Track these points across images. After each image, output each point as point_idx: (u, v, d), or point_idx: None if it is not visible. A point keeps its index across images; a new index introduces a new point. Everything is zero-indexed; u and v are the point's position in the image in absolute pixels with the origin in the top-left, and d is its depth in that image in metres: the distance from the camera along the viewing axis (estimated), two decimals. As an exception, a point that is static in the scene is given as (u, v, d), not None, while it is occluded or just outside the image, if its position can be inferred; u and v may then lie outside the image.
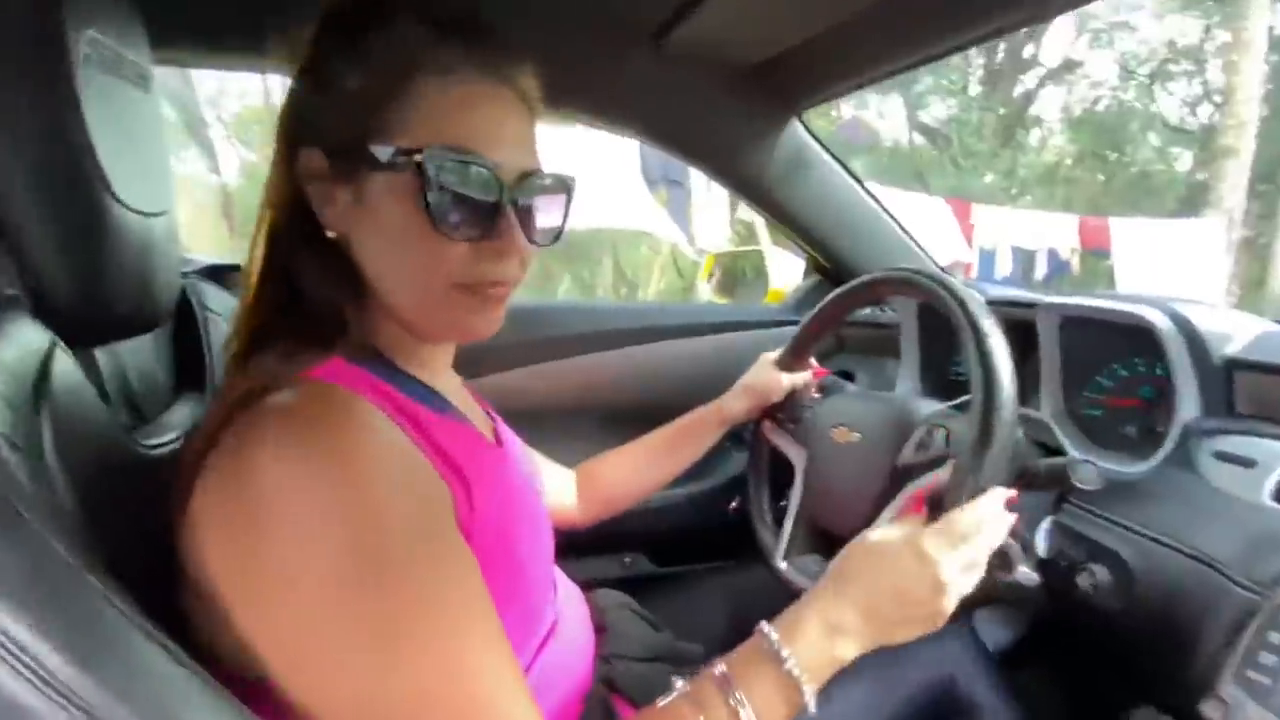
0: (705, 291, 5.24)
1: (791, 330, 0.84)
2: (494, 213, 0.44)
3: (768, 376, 0.81)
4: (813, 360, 0.84)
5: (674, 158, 1.07)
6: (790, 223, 1.11)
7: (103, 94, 0.43)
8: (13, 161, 0.39)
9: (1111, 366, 0.78)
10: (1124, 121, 9.74)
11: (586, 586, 0.68)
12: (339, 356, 0.44)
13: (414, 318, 0.47)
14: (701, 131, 1.00)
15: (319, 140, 0.44)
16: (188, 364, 0.60)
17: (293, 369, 0.42)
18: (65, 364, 0.40)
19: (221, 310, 0.65)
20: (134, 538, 0.39)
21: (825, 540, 0.74)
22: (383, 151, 0.42)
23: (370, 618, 0.34)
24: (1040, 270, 5.36)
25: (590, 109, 0.95)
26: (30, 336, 0.39)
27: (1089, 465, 0.55)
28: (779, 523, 0.78)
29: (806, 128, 1.03)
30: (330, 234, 0.45)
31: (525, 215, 0.46)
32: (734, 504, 1.09)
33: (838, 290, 0.77)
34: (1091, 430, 0.77)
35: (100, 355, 0.49)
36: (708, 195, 5.42)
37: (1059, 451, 0.76)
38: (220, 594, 0.36)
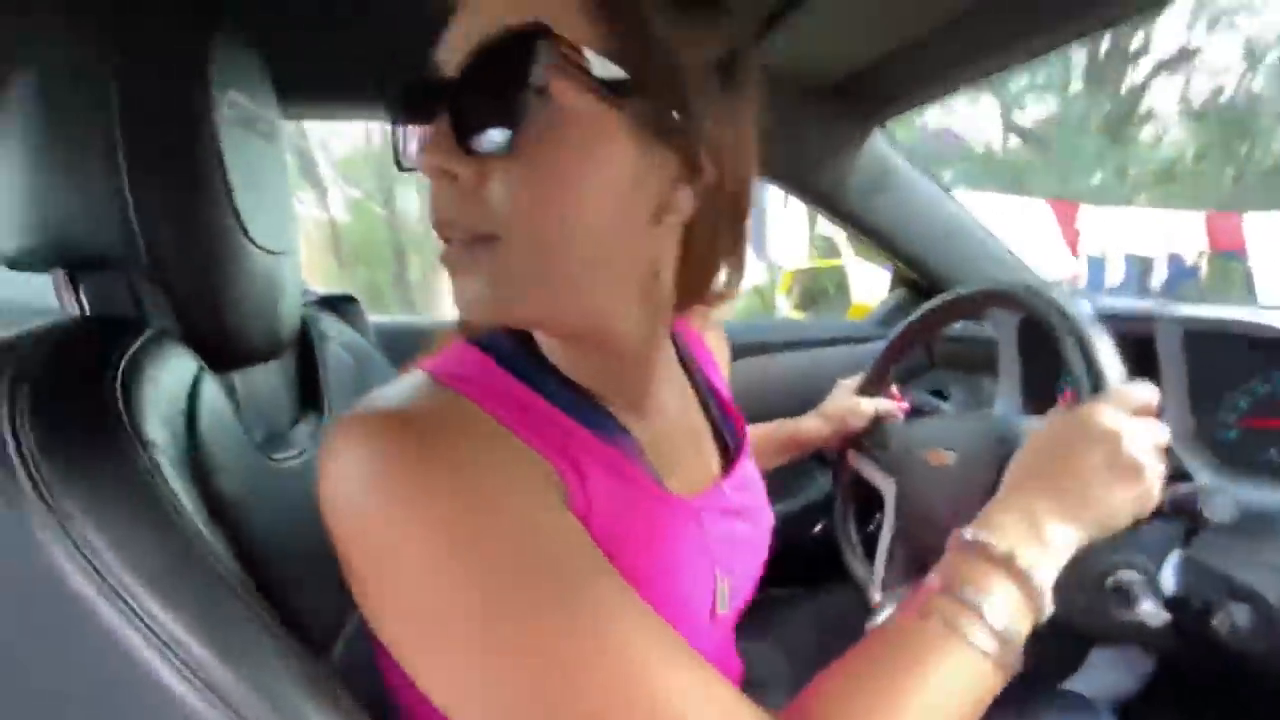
0: (784, 308, 5.15)
1: (878, 346, 0.82)
2: (423, 118, 0.35)
3: (847, 404, 0.79)
4: (894, 388, 0.81)
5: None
6: (874, 236, 1.09)
7: (239, 147, 0.49)
8: (164, 209, 0.44)
9: (1248, 384, 0.70)
10: (1253, 112, 8.78)
11: None
12: (476, 348, 0.41)
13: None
14: (779, 149, 1.00)
15: None
16: (308, 386, 0.66)
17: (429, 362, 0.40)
18: (211, 387, 0.46)
19: (336, 336, 0.71)
20: (268, 544, 0.43)
21: (924, 570, 0.71)
22: None
23: (510, 648, 0.30)
24: (1159, 277, 4.89)
25: None
26: (182, 363, 0.44)
27: (1223, 496, 0.50)
28: (870, 552, 0.75)
29: (888, 139, 1.01)
30: None
31: (461, 114, 0.33)
32: (819, 527, 1.06)
33: (927, 305, 0.74)
34: (1225, 455, 0.70)
35: (237, 379, 0.54)
36: (784, 210, 5.36)
37: (1187, 478, 0.69)
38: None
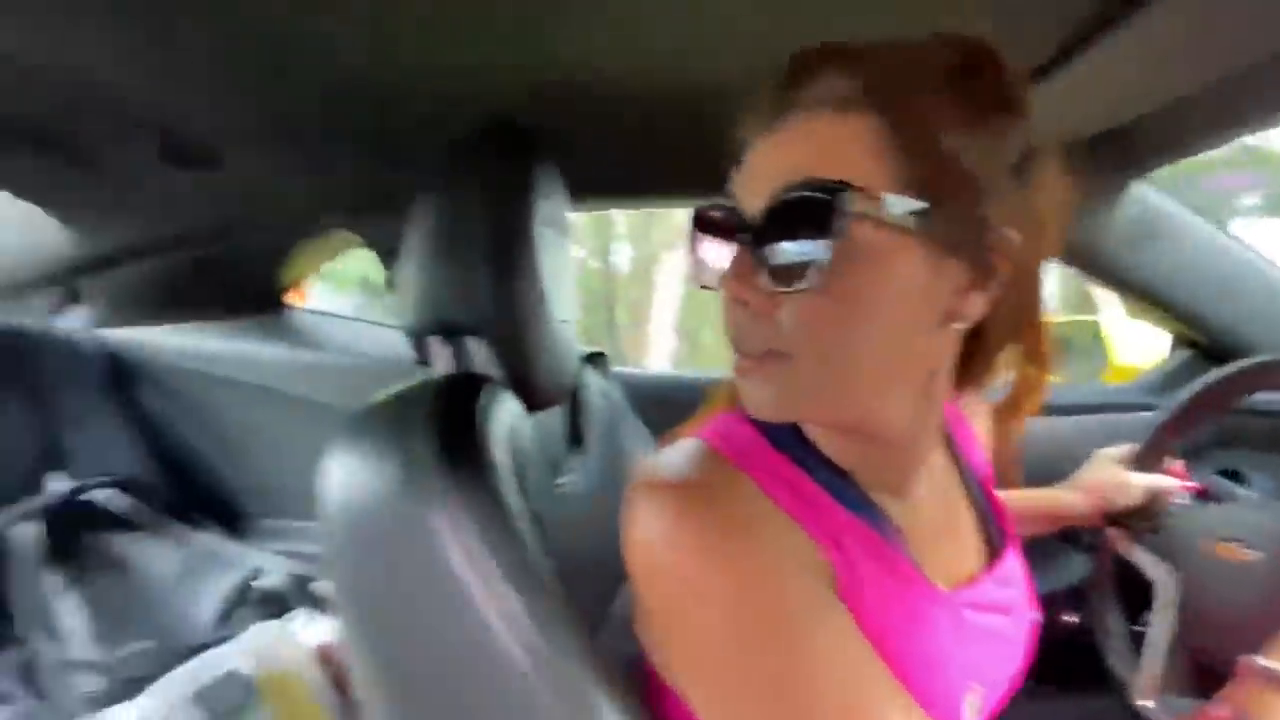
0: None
1: (1148, 417, 0.73)
2: (725, 249, 0.39)
3: (1112, 477, 0.71)
4: (1179, 464, 0.71)
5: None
6: (1142, 294, 0.97)
7: (549, 244, 0.63)
8: (504, 293, 0.59)
9: None
10: None
11: None
12: (749, 422, 0.43)
13: None
14: None
15: None
16: (574, 429, 0.79)
17: (707, 429, 0.43)
18: (527, 425, 0.59)
19: (593, 385, 0.85)
20: (560, 549, 0.54)
21: (1208, 677, 0.61)
22: None
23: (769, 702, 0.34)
24: None
25: None
26: (513, 407, 0.58)
27: None
28: (1135, 650, 0.66)
29: (1154, 186, 0.90)
30: None
31: (761, 249, 0.36)
32: (1069, 617, 0.94)
33: (1221, 372, 0.66)
34: None
35: (537, 419, 0.69)
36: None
37: None
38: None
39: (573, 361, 0.71)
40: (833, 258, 0.34)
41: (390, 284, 1.08)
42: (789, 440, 0.43)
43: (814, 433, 0.44)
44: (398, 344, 0.71)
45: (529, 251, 0.60)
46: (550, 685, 0.40)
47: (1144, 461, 0.71)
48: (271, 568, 1.05)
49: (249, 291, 1.25)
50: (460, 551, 0.42)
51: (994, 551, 0.51)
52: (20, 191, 0.97)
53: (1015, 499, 0.74)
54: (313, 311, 1.33)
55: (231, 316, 1.24)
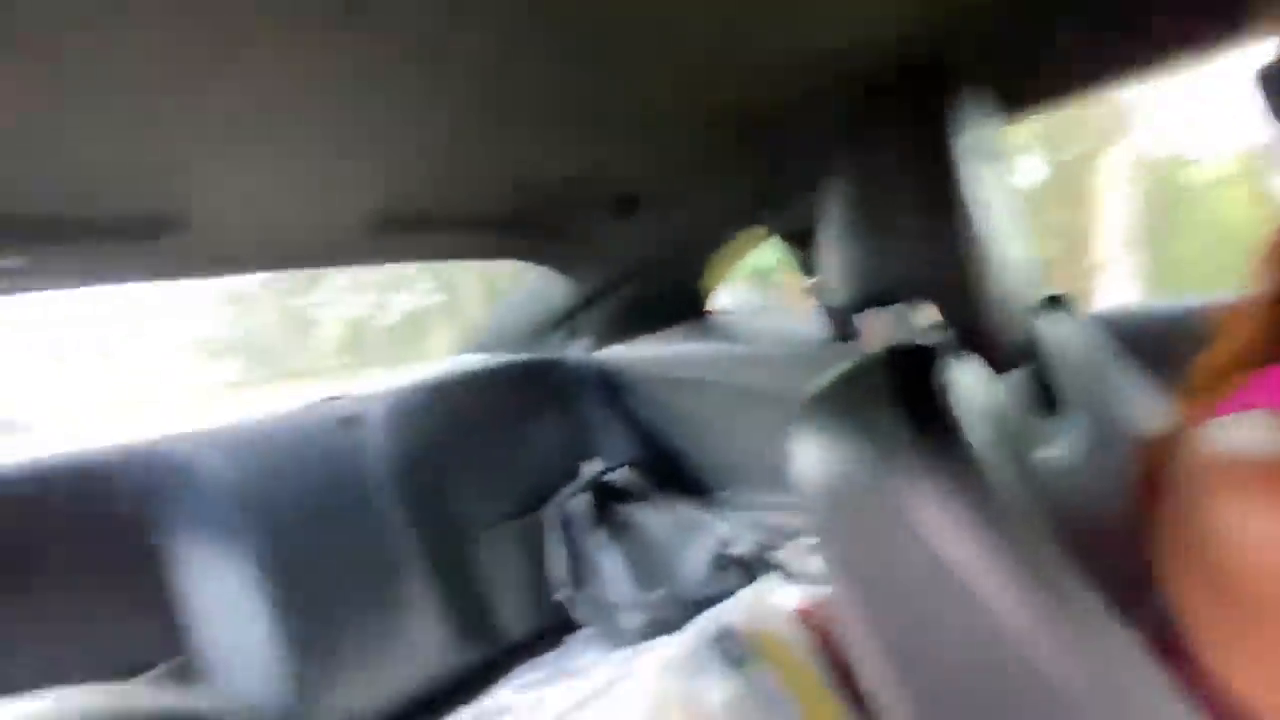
0: None
1: None
2: None
3: None
4: None
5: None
6: None
7: (980, 175, 0.55)
8: (946, 241, 0.53)
9: None
10: None
11: None
12: None
13: None
14: None
15: None
16: (1045, 390, 0.67)
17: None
18: (995, 391, 0.53)
19: (1062, 336, 0.70)
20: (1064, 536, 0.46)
21: None
22: None
23: None
24: None
25: None
26: (978, 370, 0.52)
27: None
28: None
29: None
30: None
31: None
32: None
33: None
34: None
35: (1001, 384, 0.61)
36: None
37: None
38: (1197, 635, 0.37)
39: (1030, 309, 0.61)
40: None
41: (805, 267, 1.13)
42: None
43: None
44: (804, 330, 0.72)
45: (956, 193, 0.53)
46: (1069, 667, 0.35)
47: None
48: (737, 535, 1.21)
49: (685, 303, 1.47)
50: (945, 528, 0.40)
51: None
52: (537, 261, 1.35)
53: None
54: (729, 313, 1.49)
55: (673, 327, 1.47)
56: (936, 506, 0.41)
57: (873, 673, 0.46)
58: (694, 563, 1.17)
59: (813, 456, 0.49)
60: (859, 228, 0.58)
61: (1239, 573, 0.33)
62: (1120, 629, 0.37)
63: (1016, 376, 0.64)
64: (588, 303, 1.45)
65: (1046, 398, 0.67)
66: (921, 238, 0.54)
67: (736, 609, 0.85)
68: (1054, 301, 0.77)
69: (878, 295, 0.59)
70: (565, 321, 1.52)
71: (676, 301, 1.45)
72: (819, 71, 0.71)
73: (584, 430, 1.44)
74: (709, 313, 1.49)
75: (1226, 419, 0.37)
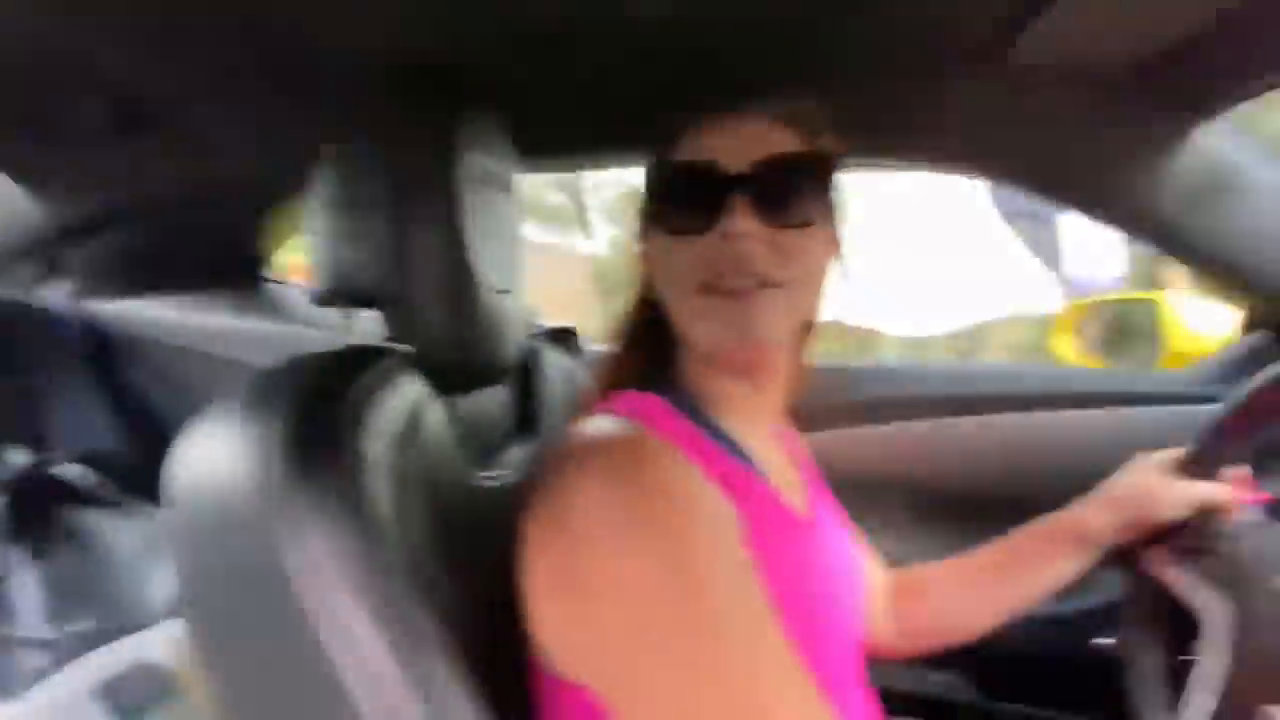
0: (1066, 350, 4.19)
1: (1207, 410, 0.60)
2: (715, 199, 0.46)
3: (1153, 485, 0.59)
4: (1244, 470, 0.58)
5: (1031, 195, 0.87)
6: (1208, 261, 0.81)
7: (480, 201, 0.55)
8: (414, 253, 0.52)
9: None
10: None
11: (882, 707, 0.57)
12: (654, 395, 0.49)
13: (685, 336, 0.50)
14: (1063, 158, 0.80)
15: (640, 226, 0.54)
16: (525, 412, 0.71)
17: (611, 404, 0.48)
18: (435, 410, 0.52)
19: (555, 366, 0.76)
20: (469, 561, 0.47)
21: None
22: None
23: (684, 667, 0.35)
24: None
25: (918, 151, 0.85)
26: (413, 387, 0.50)
27: None
28: (1175, 688, 0.55)
29: (1224, 131, 0.75)
30: (645, 296, 0.54)
31: (759, 196, 0.46)
32: (1100, 641, 0.82)
33: None
34: None
35: (461, 403, 0.61)
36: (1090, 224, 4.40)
37: None
38: (545, 625, 0.41)
39: (513, 337, 0.63)
40: (823, 209, 0.49)
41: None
42: (686, 404, 0.49)
43: (695, 384, 0.51)
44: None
45: (443, 209, 0.52)
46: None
47: (1196, 467, 0.58)
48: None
49: (228, 264, 1.21)
50: (298, 563, 0.35)
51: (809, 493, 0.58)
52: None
53: (1034, 529, 0.63)
54: (286, 283, 1.28)
55: (212, 290, 1.20)
56: (289, 531, 0.36)
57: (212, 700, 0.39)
58: (159, 582, 0.94)
59: (186, 457, 0.40)
60: (337, 220, 0.53)
61: (574, 543, 0.38)
62: (449, 663, 0.37)
63: (493, 398, 0.66)
64: (77, 235, 1.08)
65: (525, 421, 0.72)
66: (388, 241, 0.51)
67: (169, 638, 0.69)
68: (557, 335, 0.84)
69: (345, 292, 0.54)
70: (40, 253, 1.11)
71: (216, 260, 1.19)
72: (348, 35, 0.63)
73: (39, 401, 1.05)
74: (263, 280, 1.26)
75: (582, 425, 0.45)
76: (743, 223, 0.45)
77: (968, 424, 0.98)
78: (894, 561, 0.72)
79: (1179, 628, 0.58)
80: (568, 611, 0.39)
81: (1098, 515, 0.60)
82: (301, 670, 0.35)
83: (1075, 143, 0.78)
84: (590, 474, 0.39)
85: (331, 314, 0.61)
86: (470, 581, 0.46)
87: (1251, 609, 0.51)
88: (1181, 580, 0.56)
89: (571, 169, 1.07)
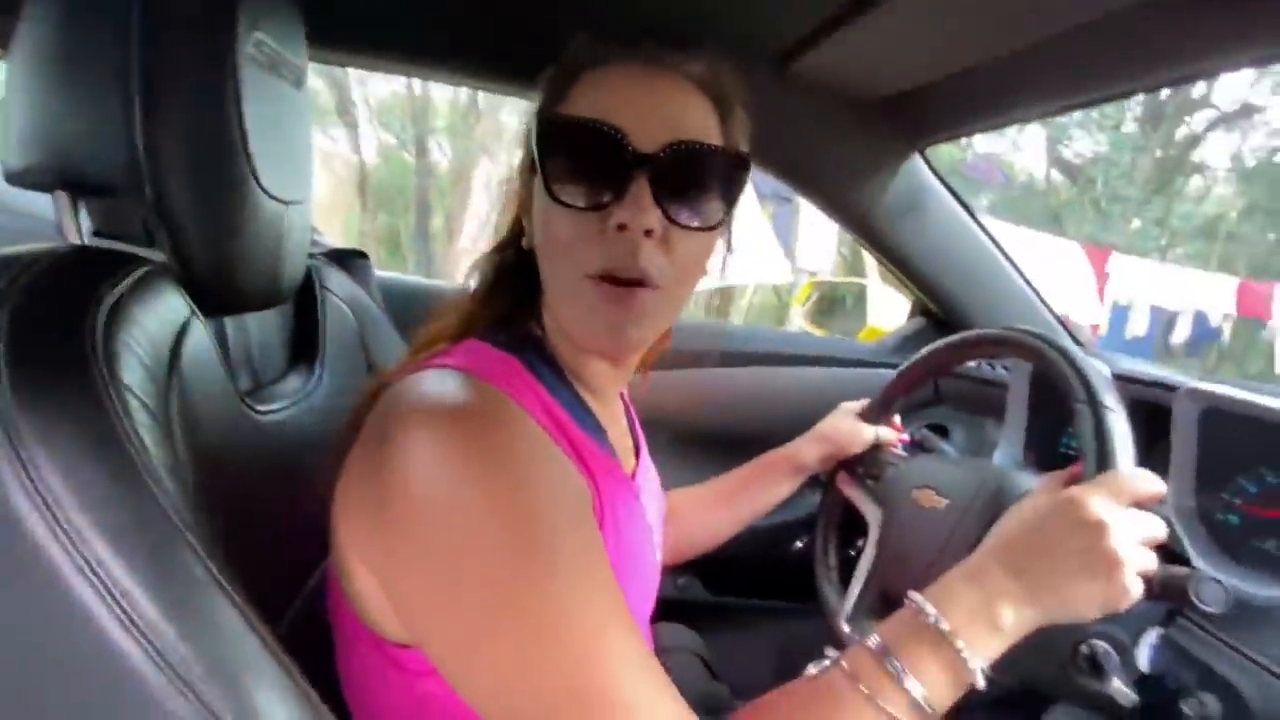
0: (797, 319, 5.10)
1: (888, 374, 0.80)
2: (617, 178, 0.42)
3: (847, 427, 0.77)
4: (898, 418, 0.79)
5: (785, 184, 1.04)
6: (899, 262, 1.06)
7: (261, 90, 0.47)
8: (175, 146, 0.43)
9: (1259, 470, 0.68)
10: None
11: None
12: (513, 355, 0.46)
13: (562, 318, 0.48)
14: (815, 161, 0.97)
15: (523, 168, 0.50)
16: (303, 339, 0.65)
17: (461, 359, 0.43)
18: (199, 333, 0.45)
19: (339, 291, 0.70)
20: (242, 496, 0.42)
21: (894, 608, 0.70)
22: (532, 144, 0.45)
23: (520, 612, 0.34)
24: (1181, 334, 4.81)
25: None
26: (172, 305, 0.43)
27: (1216, 585, 0.49)
28: (845, 580, 0.74)
29: (929, 164, 0.98)
30: (524, 245, 0.50)
31: (668, 185, 0.42)
32: (799, 544, 1.05)
33: (944, 340, 0.73)
34: (1224, 540, 0.68)
35: (229, 324, 0.53)
36: (817, 215, 5.26)
37: (1181, 557, 0.67)
38: (366, 569, 0.39)
39: (297, 257, 0.56)
40: (725, 211, 0.45)
41: None
42: (543, 369, 0.47)
43: (556, 347, 0.50)
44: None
45: (225, 93, 0.44)
46: (166, 676, 0.30)
47: (874, 415, 0.78)
48: None
49: None
50: (35, 504, 0.29)
51: (636, 452, 0.61)
52: None
53: (761, 461, 0.78)
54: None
55: None
56: (11, 461, 0.29)
57: None
58: None
59: None
60: (55, 76, 0.41)
61: (404, 501, 0.36)
62: (233, 608, 0.34)
63: (265, 321, 0.59)
64: None
65: (303, 347, 0.65)
66: (154, 125, 0.41)
67: None
68: (343, 257, 0.77)
69: (68, 176, 0.43)
70: None
71: None
72: None
73: None
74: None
75: (422, 374, 0.41)
76: (641, 215, 0.41)
77: (716, 374, 1.15)
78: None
79: (853, 533, 0.78)
80: (396, 572, 0.37)
81: (810, 449, 0.78)
82: (50, 629, 0.30)
83: (825, 150, 0.96)
84: (431, 432, 0.36)
85: (32, 198, 0.48)
86: (248, 523, 0.42)
87: (895, 516, 0.71)
88: (857, 495, 0.76)
89: (368, 68, 0.94)
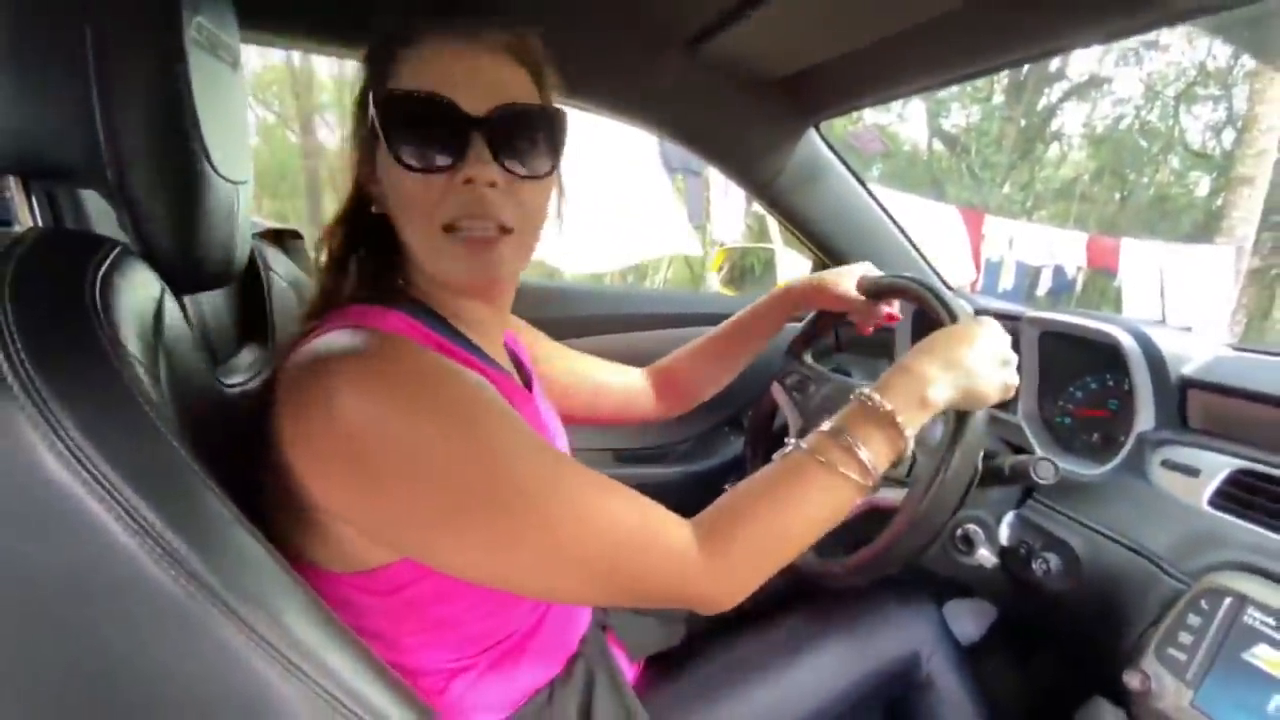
0: (714, 284, 5.29)
1: (795, 326, 0.90)
2: (457, 140, 0.47)
3: (845, 281, 0.79)
4: (897, 306, 0.82)
5: (696, 156, 1.12)
6: (799, 225, 1.17)
7: (205, 73, 0.49)
8: (133, 131, 0.44)
9: (1084, 379, 0.84)
10: (1145, 142, 9.71)
11: None
12: (394, 310, 0.50)
13: (426, 268, 0.52)
14: (723, 135, 1.06)
15: (360, 139, 0.53)
16: (252, 316, 0.67)
17: (351, 319, 0.48)
18: (172, 308, 0.47)
19: (279, 270, 0.72)
20: (215, 461, 0.46)
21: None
22: (371, 117, 0.49)
23: (488, 490, 0.41)
24: (1043, 286, 5.41)
25: (621, 105, 1.00)
26: (146, 280, 0.45)
27: (1048, 462, 0.62)
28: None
29: (823, 137, 1.09)
30: (375, 211, 0.54)
31: (501, 143, 0.48)
32: (729, 485, 1.16)
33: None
34: (1060, 436, 0.84)
35: (187, 302, 0.55)
36: (725, 186, 5.46)
37: (1027, 450, 0.83)
38: (331, 516, 0.43)
39: (245, 235, 0.58)
40: (553, 159, 0.52)
41: None
42: (418, 311, 0.52)
43: (431, 298, 0.55)
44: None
45: (175, 77, 0.46)
46: (207, 599, 0.34)
47: (865, 291, 0.81)
48: None
49: None
50: (61, 456, 0.32)
51: (527, 383, 0.66)
52: None
53: (758, 302, 0.85)
54: None
55: None
56: (41, 425, 0.32)
57: None
58: None
59: None
60: (14, 60, 0.42)
61: (353, 442, 0.40)
62: (254, 540, 0.38)
63: (214, 300, 0.61)
64: None
65: (249, 325, 0.67)
66: (113, 110, 0.43)
67: None
68: (278, 236, 0.78)
69: (28, 163, 0.44)
70: None
71: None
72: None
73: None
74: None
75: (323, 338, 0.45)
76: (484, 170, 0.47)
77: (643, 337, 1.22)
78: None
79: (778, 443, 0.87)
80: (368, 504, 0.41)
81: (802, 284, 0.82)
82: (95, 570, 0.33)
83: (731, 125, 1.04)
84: (352, 378, 0.40)
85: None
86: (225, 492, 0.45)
87: (812, 425, 0.81)
88: (785, 403, 0.85)
89: (293, 47, 0.92)
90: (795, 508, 0.49)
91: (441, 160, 0.48)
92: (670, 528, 0.46)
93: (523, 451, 0.43)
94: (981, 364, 0.56)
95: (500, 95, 0.48)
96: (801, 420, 0.83)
